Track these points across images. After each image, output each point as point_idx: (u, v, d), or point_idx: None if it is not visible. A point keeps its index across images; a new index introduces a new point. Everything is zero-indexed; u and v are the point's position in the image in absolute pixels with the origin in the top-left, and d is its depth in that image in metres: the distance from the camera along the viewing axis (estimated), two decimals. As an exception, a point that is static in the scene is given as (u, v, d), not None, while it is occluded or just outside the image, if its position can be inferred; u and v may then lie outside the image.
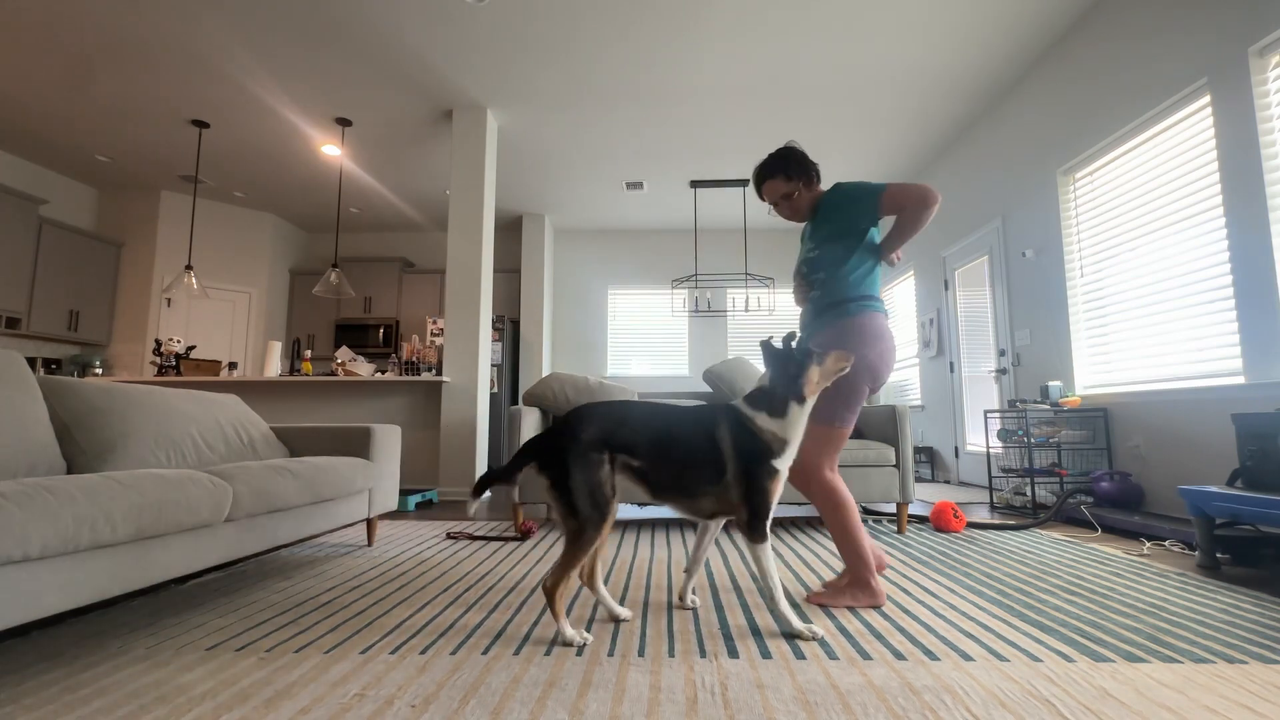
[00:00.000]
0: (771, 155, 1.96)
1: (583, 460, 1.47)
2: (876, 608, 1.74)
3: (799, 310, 2.06)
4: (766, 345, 1.68)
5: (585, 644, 1.45)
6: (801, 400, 1.60)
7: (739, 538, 2.81)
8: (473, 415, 4.44)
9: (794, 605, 1.77)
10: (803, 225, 2.10)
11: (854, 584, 1.78)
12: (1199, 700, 1.15)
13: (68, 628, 1.61)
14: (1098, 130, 3.49)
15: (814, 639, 1.48)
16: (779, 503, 2.52)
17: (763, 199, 2.00)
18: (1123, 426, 3.35)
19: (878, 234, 1.93)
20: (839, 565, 2.27)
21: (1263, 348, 2.58)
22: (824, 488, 1.82)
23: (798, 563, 2.32)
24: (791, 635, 1.51)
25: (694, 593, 1.86)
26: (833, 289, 1.86)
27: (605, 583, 2.04)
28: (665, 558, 2.41)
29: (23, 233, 5.10)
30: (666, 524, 3.25)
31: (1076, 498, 3.31)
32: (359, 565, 2.30)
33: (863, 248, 1.87)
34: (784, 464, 1.57)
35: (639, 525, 3.22)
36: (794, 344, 1.65)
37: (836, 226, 1.87)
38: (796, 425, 1.59)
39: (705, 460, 1.54)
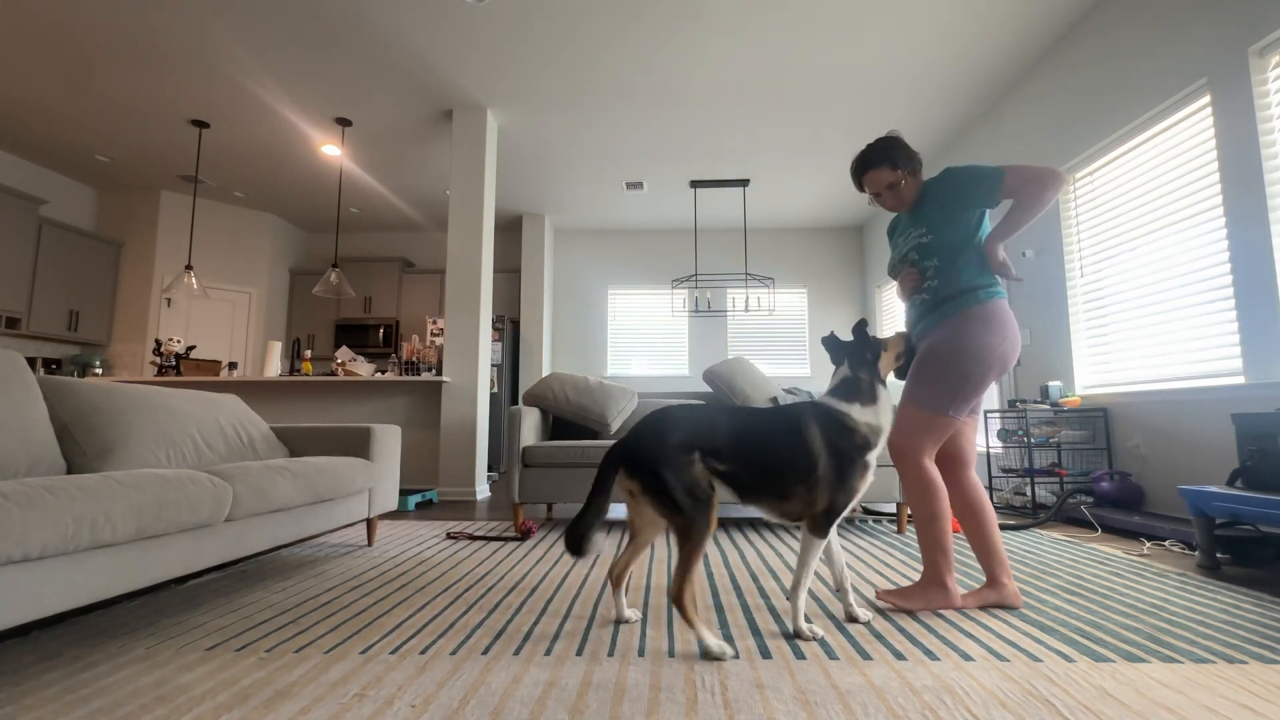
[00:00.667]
0: (876, 143, 1.88)
1: (673, 463, 1.44)
2: (952, 609, 1.71)
3: (902, 303, 1.96)
4: (833, 339, 1.72)
5: (732, 655, 1.37)
6: (884, 384, 1.64)
7: (738, 537, 2.81)
8: (473, 415, 4.44)
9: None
10: (893, 216, 2.02)
11: (930, 583, 1.72)
12: (1199, 700, 1.15)
13: (68, 628, 1.61)
14: (1097, 130, 3.49)
15: (814, 639, 1.48)
16: None
17: (862, 189, 1.93)
18: (1123, 426, 3.35)
19: (988, 224, 1.85)
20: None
21: (1263, 348, 2.58)
22: (920, 476, 1.75)
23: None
24: (795, 635, 1.51)
25: (857, 604, 1.72)
26: (951, 277, 1.78)
27: (605, 583, 2.03)
28: (665, 558, 2.41)
29: (23, 233, 5.10)
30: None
31: (1076, 498, 3.31)
32: (359, 565, 2.30)
33: (980, 234, 1.81)
34: (875, 457, 1.57)
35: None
36: (866, 330, 1.68)
37: (952, 211, 1.79)
38: (888, 412, 1.61)
39: (795, 460, 1.51)
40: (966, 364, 1.70)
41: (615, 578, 1.63)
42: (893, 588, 1.75)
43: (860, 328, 1.67)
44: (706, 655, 1.37)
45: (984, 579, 1.93)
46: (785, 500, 1.53)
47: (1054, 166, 1.68)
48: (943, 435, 1.77)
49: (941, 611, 1.70)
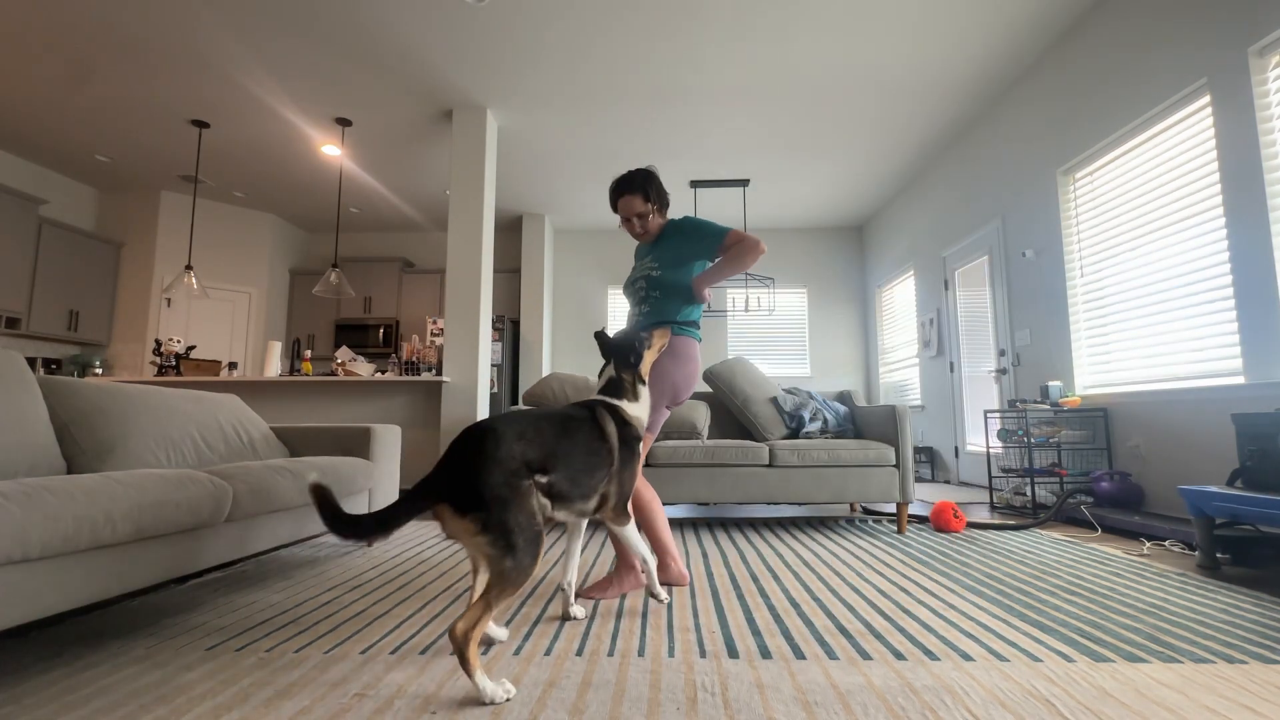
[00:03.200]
0: (635, 172, 2.03)
1: (515, 494, 1.28)
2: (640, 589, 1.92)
3: (626, 316, 2.19)
4: (603, 336, 1.81)
5: (506, 697, 1.18)
6: (644, 382, 1.75)
7: (738, 537, 2.81)
8: (473, 415, 4.44)
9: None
10: (637, 245, 2.22)
11: (628, 569, 1.92)
12: (1199, 700, 1.15)
13: (68, 628, 1.61)
14: (1098, 130, 3.49)
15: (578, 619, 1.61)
16: (786, 503, 2.56)
17: (616, 210, 2.08)
18: (1122, 426, 3.35)
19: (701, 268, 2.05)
20: (813, 561, 2.27)
21: (1263, 348, 2.58)
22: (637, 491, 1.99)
23: (798, 562, 2.32)
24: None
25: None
26: (662, 308, 2.00)
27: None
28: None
29: (23, 233, 5.10)
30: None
31: (1076, 498, 3.31)
32: (359, 565, 2.30)
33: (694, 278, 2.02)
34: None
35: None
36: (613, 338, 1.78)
37: (682, 253, 2.00)
38: (647, 408, 1.74)
39: (602, 458, 1.55)
40: (659, 389, 1.94)
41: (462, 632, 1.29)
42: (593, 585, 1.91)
43: (603, 336, 1.80)
44: (479, 698, 1.17)
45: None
46: (590, 499, 1.53)
47: (759, 239, 1.94)
48: (645, 451, 1.86)
49: (941, 612, 1.70)
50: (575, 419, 1.53)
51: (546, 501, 1.39)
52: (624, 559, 1.93)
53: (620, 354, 1.73)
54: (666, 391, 1.94)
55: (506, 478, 1.27)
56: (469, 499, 1.23)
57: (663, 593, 1.77)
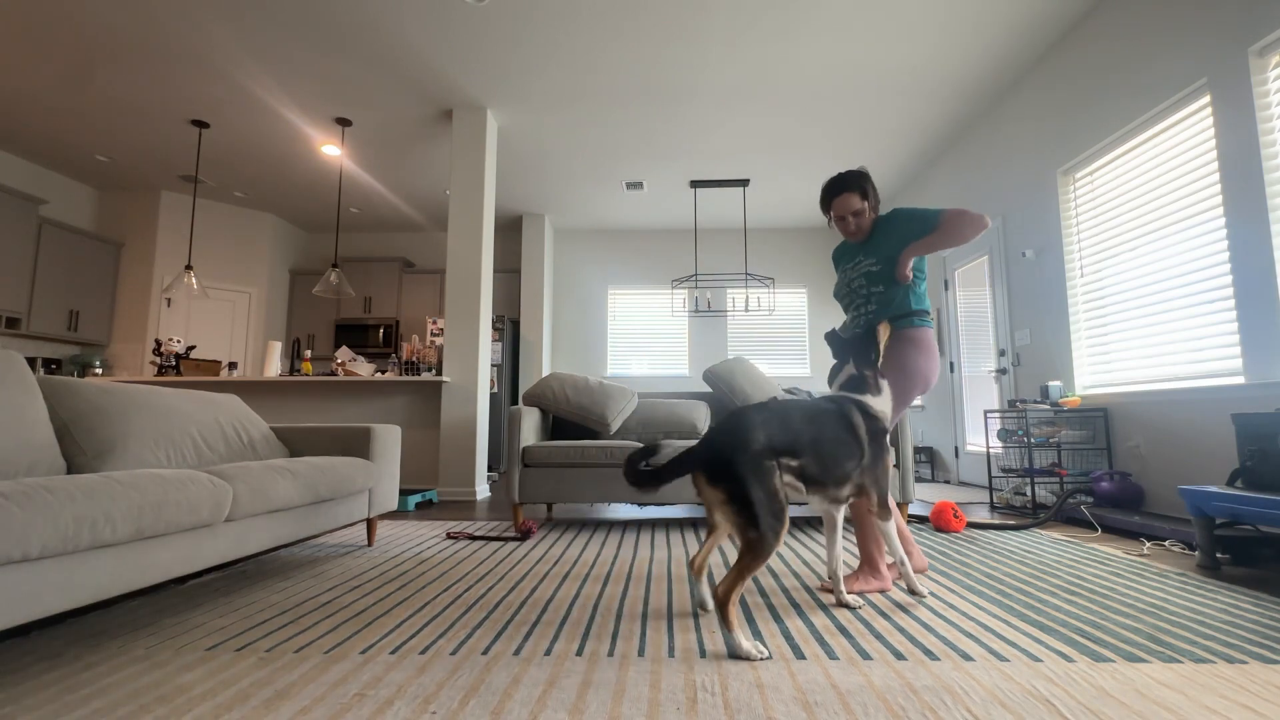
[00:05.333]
0: (851, 172, 2.05)
1: (759, 473, 1.46)
2: (884, 592, 1.90)
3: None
4: (836, 336, 1.90)
5: (765, 656, 1.37)
6: (883, 376, 1.82)
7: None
8: (473, 415, 4.44)
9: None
10: (839, 244, 2.26)
11: (871, 568, 1.94)
12: (1199, 700, 1.15)
13: (68, 628, 1.61)
14: (1098, 130, 3.49)
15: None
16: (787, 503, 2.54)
17: (829, 211, 2.09)
18: (1122, 426, 3.34)
19: (925, 264, 2.08)
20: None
21: (1263, 348, 2.58)
22: None
23: (798, 562, 2.32)
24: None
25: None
26: (889, 301, 2.01)
27: (606, 582, 2.04)
28: (665, 558, 2.41)
29: (23, 233, 5.10)
30: (666, 524, 3.25)
31: (1076, 498, 3.31)
32: (359, 565, 2.30)
33: (920, 270, 2.04)
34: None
35: (639, 525, 3.22)
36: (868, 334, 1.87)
37: (901, 242, 1.99)
38: (889, 400, 1.81)
39: (851, 447, 1.66)
40: (905, 382, 1.94)
41: (697, 568, 1.68)
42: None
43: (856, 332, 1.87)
44: (735, 655, 1.38)
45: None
46: (843, 486, 1.66)
47: (982, 213, 1.94)
48: None
49: (941, 612, 1.70)
50: (823, 410, 1.66)
51: (800, 484, 1.58)
52: (867, 558, 1.95)
53: (861, 352, 1.82)
54: (919, 382, 1.95)
55: (751, 457, 1.46)
56: (720, 472, 1.46)
57: (922, 589, 1.77)
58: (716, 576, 2.10)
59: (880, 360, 1.87)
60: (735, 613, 1.42)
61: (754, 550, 1.42)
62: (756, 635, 1.52)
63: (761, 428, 1.51)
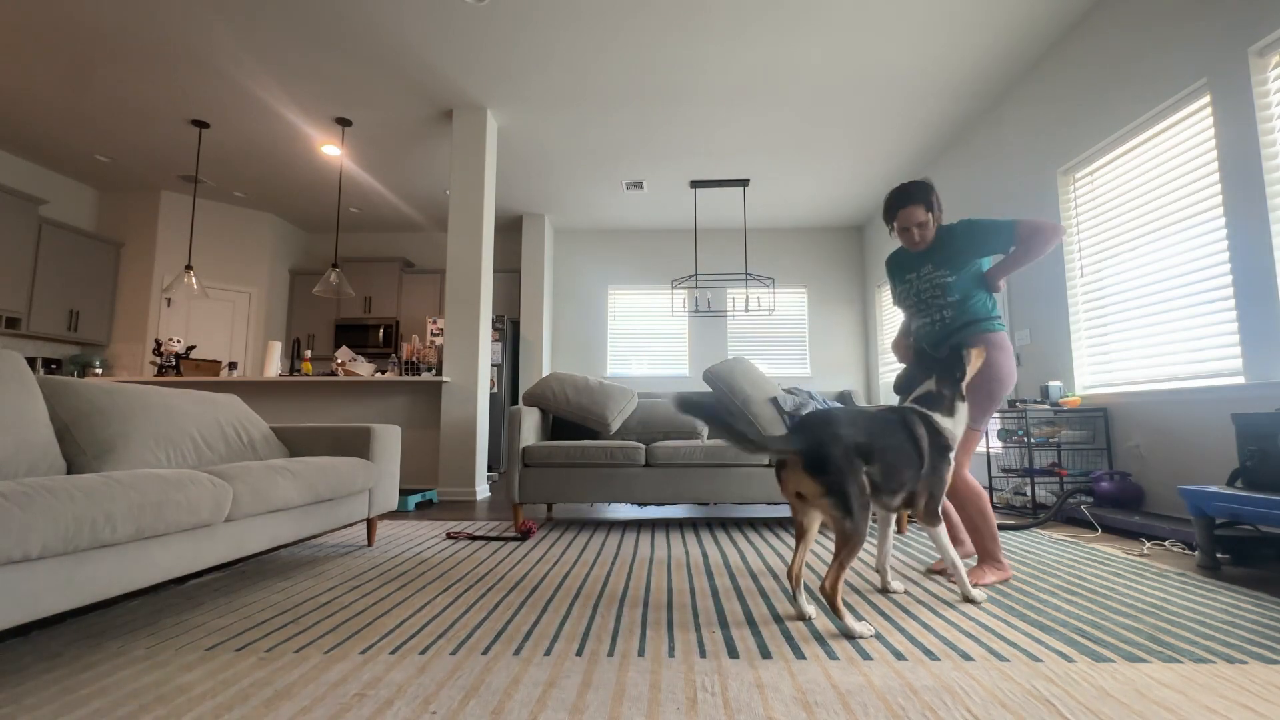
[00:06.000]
0: (916, 183, 2.10)
1: (853, 468, 1.55)
2: (1006, 579, 2.01)
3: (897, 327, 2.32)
4: (924, 353, 1.96)
5: (872, 633, 1.51)
6: (964, 399, 1.86)
7: (738, 538, 2.81)
8: (473, 415, 4.44)
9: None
10: (895, 252, 2.30)
11: (990, 563, 2.03)
12: (1199, 700, 1.15)
13: (68, 628, 1.61)
14: (1098, 130, 3.49)
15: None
16: (786, 503, 2.62)
17: (893, 221, 2.13)
18: (1123, 426, 3.34)
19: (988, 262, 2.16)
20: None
21: (1263, 348, 2.57)
22: (968, 483, 2.05)
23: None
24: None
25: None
26: (966, 310, 2.08)
27: (605, 582, 2.04)
28: (665, 558, 2.41)
29: (23, 233, 5.10)
30: (666, 524, 3.25)
31: (1076, 498, 3.31)
32: (359, 565, 2.30)
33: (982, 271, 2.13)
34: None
35: (639, 525, 3.22)
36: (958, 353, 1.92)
37: (972, 254, 2.06)
38: (961, 422, 1.86)
39: (913, 458, 1.73)
40: (994, 384, 2.02)
41: (794, 578, 1.69)
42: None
43: (955, 350, 1.92)
44: (848, 636, 1.50)
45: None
46: (897, 495, 1.71)
47: (1056, 223, 2.07)
48: (975, 446, 2.05)
49: (941, 612, 1.70)
50: (890, 421, 1.72)
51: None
52: (984, 553, 2.03)
53: (947, 371, 1.87)
54: (1007, 382, 2.04)
55: (846, 454, 1.56)
56: (820, 464, 1.54)
57: (978, 594, 1.80)
58: (712, 577, 2.10)
59: (966, 382, 1.91)
60: (841, 602, 1.53)
61: (850, 542, 1.52)
62: (756, 635, 1.52)
63: (850, 427, 1.60)
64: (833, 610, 1.53)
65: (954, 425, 1.82)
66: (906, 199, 2.08)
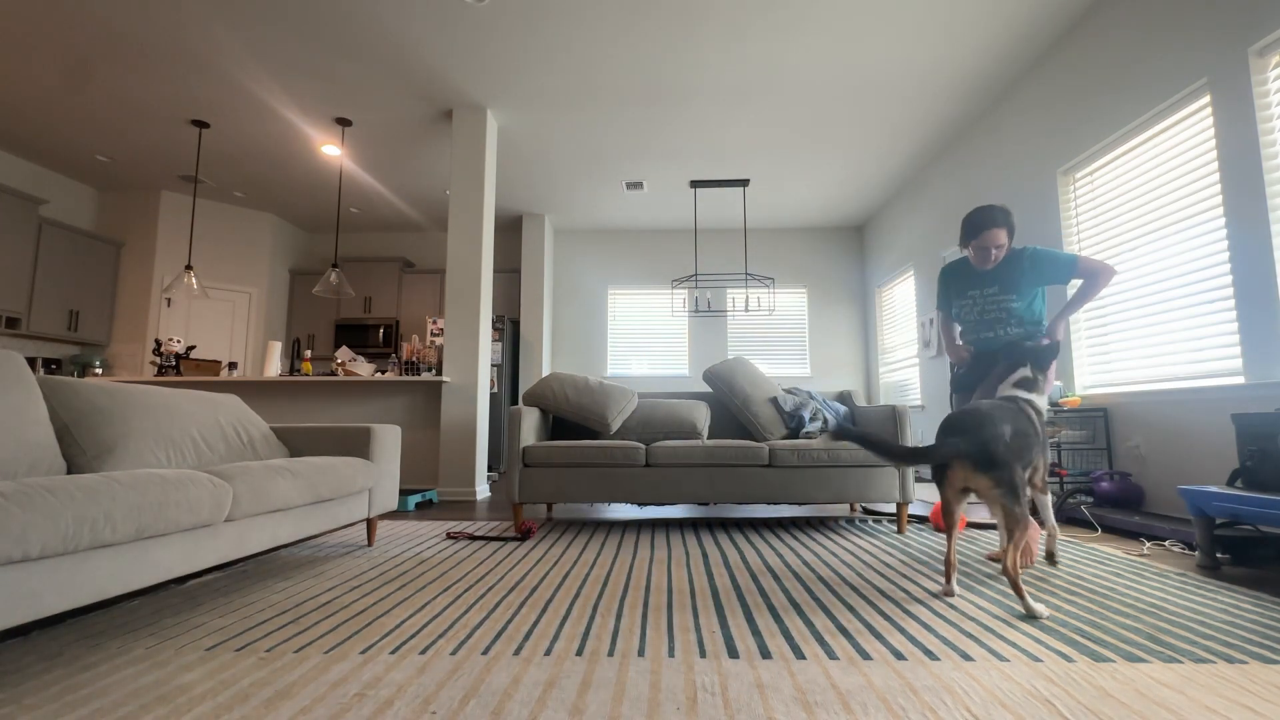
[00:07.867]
0: (997, 209, 2.26)
1: (1018, 460, 1.74)
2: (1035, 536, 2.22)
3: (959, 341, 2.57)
4: (1016, 344, 2.19)
5: (1046, 615, 1.63)
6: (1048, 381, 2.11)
7: (738, 538, 2.82)
8: (473, 415, 4.44)
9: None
10: (953, 264, 2.51)
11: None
12: (1199, 700, 1.15)
13: (68, 628, 1.61)
14: (1098, 130, 3.49)
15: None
16: (786, 503, 2.65)
17: (972, 239, 2.28)
18: (1123, 426, 3.34)
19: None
20: (809, 562, 2.27)
21: (1263, 348, 2.58)
22: None
23: (798, 562, 2.31)
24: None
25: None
26: (1029, 324, 2.33)
27: (605, 582, 2.04)
28: (665, 558, 2.41)
29: (23, 233, 5.10)
30: (666, 524, 3.25)
31: (1076, 498, 3.31)
32: (359, 565, 2.30)
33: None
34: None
35: (639, 525, 3.22)
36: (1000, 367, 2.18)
37: (1036, 283, 2.30)
38: (1045, 401, 2.10)
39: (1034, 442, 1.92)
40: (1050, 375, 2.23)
41: (951, 564, 1.87)
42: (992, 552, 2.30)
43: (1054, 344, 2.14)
44: (1032, 616, 1.62)
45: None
46: (1026, 470, 1.86)
47: (1109, 264, 2.36)
48: None
49: (941, 612, 1.70)
50: (1013, 410, 1.90)
51: None
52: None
53: (1042, 360, 2.11)
54: (1052, 375, 2.25)
55: (1009, 446, 1.72)
56: (988, 461, 1.70)
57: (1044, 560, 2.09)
58: (720, 570, 2.10)
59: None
60: (1020, 581, 1.67)
61: (1022, 523, 1.67)
62: (756, 634, 1.52)
63: (1002, 424, 1.76)
64: (1015, 591, 1.64)
65: (1044, 404, 2.06)
66: (992, 222, 2.23)
